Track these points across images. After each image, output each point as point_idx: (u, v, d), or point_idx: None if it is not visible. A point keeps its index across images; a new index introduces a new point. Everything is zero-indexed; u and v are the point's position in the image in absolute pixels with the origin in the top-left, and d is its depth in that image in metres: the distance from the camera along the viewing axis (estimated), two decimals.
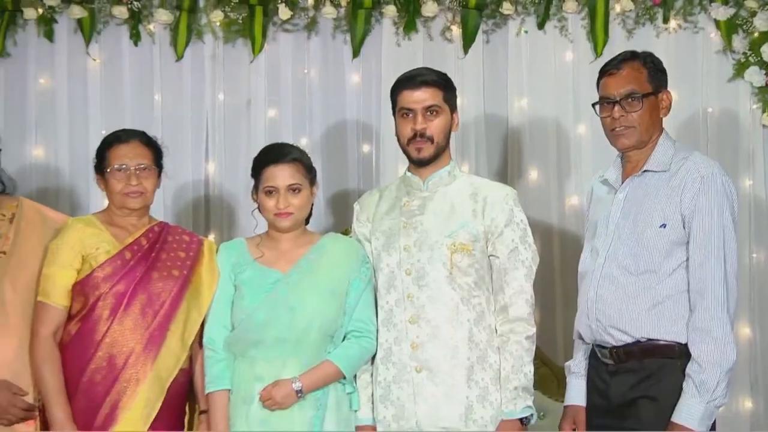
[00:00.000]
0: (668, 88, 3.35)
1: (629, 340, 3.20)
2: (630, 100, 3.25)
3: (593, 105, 3.37)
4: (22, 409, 3.25)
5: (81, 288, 3.29)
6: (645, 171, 3.28)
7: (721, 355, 3.08)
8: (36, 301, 3.29)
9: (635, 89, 3.26)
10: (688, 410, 3.07)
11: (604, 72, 3.34)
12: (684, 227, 3.17)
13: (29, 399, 3.27)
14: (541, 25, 4.71)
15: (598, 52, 4.63)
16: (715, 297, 3.11)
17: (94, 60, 4.75)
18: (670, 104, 3.34)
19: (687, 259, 3.17)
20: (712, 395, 3.06)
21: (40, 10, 4.67)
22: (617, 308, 3.22)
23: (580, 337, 3.40)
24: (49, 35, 4.71)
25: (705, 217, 3.14)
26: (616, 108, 3.27)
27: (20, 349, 3.27)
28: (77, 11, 4.65)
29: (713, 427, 3.15)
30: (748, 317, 4.57)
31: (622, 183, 3.33)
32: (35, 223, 3.46)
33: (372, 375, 3.42)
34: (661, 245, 3.19)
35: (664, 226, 3.19)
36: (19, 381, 3.26)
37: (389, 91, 3.51)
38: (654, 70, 3.30)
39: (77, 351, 3.26)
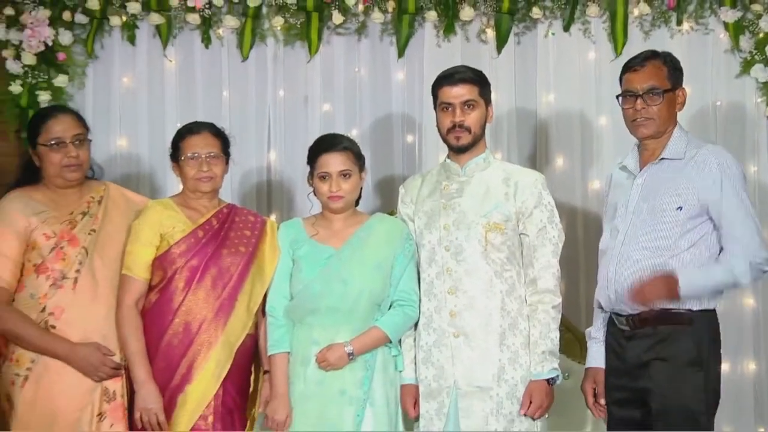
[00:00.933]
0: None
1: (644, 308, 3.17)
2: (651, 94, 3.23)
3: (617, 97, 3.34)
4: (111, 368, 3.29)
5: (160, 263, 3.32)
6: (662, 159, 3.25)
7: (753, 255, 3.11)
8: (121, 274, 3.33)
9: (656, 85, 3.23)
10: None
11: (629, 68, 3.30)
12: (698, 210, 3.14)
13: (116, 359, 3.31)
14: (566, 28, 4.66)
15: (618, 52, 4.57)
16: (746, 227, 3.13)
17: (170, 61, 4.76)
18: (685, 100, 3.32)
19: (700, 238, 3.15)
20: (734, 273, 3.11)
21: (124, 18, 4.70)
22: (634, 281, 3.18)
23: (600, 306, 3.38)
24: (132, 39, 4.74)
25: (729, 196, 3.12)
26: (639, 101, 3.24)
27: (108, 315, 3.31)
28: (156, 18, 4.67)
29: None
30: (751, 289, 4.48)
31: (641, 170, 3.30)
32: (120, 205, 3.50)
33: (415, 339, 3.43)
34: (676, 226, 3.16)
35: (680, 208, 3.16)
36: (108, 343, 3.29)
37: (431, 87, 3.50)
38: (673, 69, 3.28)
39: (157, 318, 3.30)
